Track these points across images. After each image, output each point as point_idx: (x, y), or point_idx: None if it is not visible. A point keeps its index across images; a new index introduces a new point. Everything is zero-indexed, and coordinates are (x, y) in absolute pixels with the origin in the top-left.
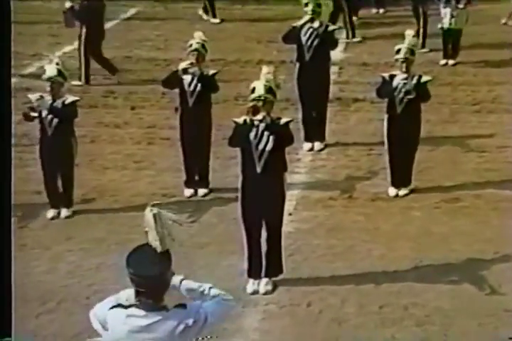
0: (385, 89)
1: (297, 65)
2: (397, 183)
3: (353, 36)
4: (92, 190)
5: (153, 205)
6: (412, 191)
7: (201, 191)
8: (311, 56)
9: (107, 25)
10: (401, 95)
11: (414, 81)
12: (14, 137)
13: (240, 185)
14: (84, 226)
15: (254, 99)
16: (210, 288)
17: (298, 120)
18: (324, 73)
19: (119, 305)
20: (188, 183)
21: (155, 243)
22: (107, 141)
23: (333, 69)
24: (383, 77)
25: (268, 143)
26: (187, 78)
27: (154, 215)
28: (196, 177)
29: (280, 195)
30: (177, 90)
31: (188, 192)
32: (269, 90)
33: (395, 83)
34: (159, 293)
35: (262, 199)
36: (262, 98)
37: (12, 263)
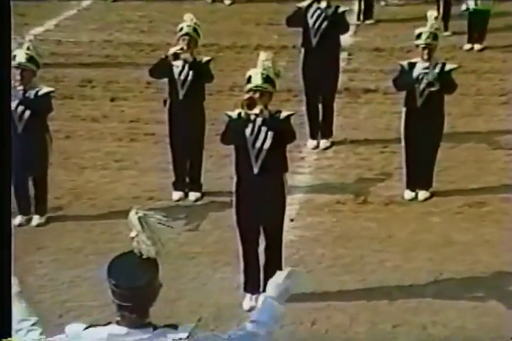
0: (403, 79)
1: (302, 50)
2: (414, 185)
3: (366, 18)
4: (66, 192)
5: (138, 208)
6: (432, 194)
7: (192, 195)
8: (318, 41)
9: (83, 3)
10: (422, 86)
11: (437, 70)
12: None
13: (234, 188)
14: (58, 234)
15: (250, 90)
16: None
17: (301, 113)
18: (332, 60)
19: (96, 325)
20: (177, 185)
21: (145, 248)
22: (84, 137)
23: (342, 55)
24: (402, 66)
25: (266, 140)
26: (177, 66)
27: (140, 219)
28: (187, 179)
29: (280, 198)
30: (165, 80)
31: (177, 195)
32: (267, 79)
33: (415, 73)
34: (145, 307)
35: (260, 203)
36: (260, 88)
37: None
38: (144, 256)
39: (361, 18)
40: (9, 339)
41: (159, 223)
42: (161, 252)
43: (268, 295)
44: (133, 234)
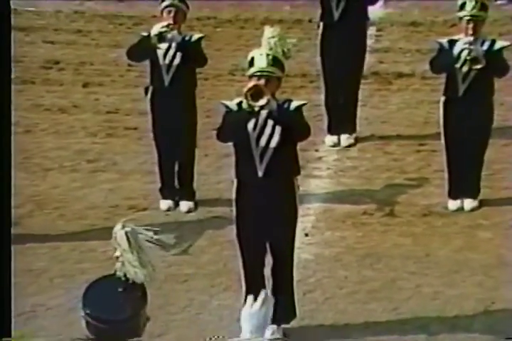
0: (442, 59)
1: (321, 25)
2: (458, 192)
3: None
4: (27, 200)
5: (125, 221)
6: (480, 203)
7: (184, 205)
8: (341, 14)
9: None
10: (465, 68)
11: (485, 47)
12: None
13: (234, 195)
14: (16, 252)
15: (253, 75)
16: None
17: (318, 103)
18: (358, 37)
19: None
20: (165, 192)
21: (132, 270)
22: (48, 131)
23: (370, 31)
24: (440, 44)
25: (273, 136)
26: (162, 46)
27: (127, 234)
28: (176, 184)
29: (291, 208)
30: (147, 62)
31: (166, 204)
32: (274, 62)
33: (456, 50)
34: None
35: (266, 214)
36: (265, 73)
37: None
38: (130, 281)
39: None
40: (9, 339)
41: (149, 241)
42: (151, 277)
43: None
44: (117, 253)
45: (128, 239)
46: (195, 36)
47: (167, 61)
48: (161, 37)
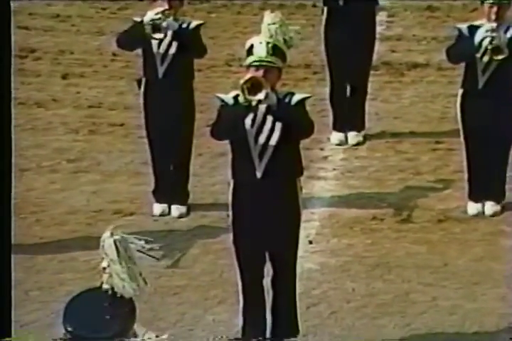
0: (460, 47)
1: (325, 10)
2: (479, 195)
3: None
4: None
5: (114, 228)
6: (503, 208)
7: (175, 209)
8: None
9: None
10: (486, 58)
11: (510, 34)
12: None
13: (230, 198)
14: None
15: (251, 65)
16: None
17: (323, 97)
18: (367, 24)
19: None
20: (159, 194)
21: (120, 283)
22: (24, 127)
23: (380, 17)
24: (459, 30)
25: (273, 133)
26: (157, 36)
27: (116, 243)
28: (168, 186)
29: (293, 212)
30: (138, 51)
31: (159, 208)
32: (274, 51)
33: (477, 38)
34: None
35: (265, 219)
36: (264, 63)
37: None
38: (118, 295)
39: None
40: (9, 339)
41: (141, 251)
42: (141, 290)
43: None
44: (104, 263)
45: (117, 248)
46: (194, 23)
47: (161, 50)
48: (155, 25)
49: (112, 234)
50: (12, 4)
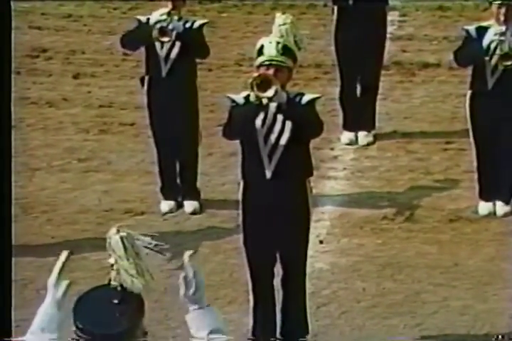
0: (468, 50)
1: (335, 10)
2: (490, 195)
3: None
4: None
5: (120, 226)
6: None
7: (189, 205)
8: None
9: None
10: (494, 60)
11: None
12: None
13: (240, 198)
14: None
15: (261, 65)
16: None
17: (333, 97)
18: (377, 23)
19: None
20: (166, 191)
21: (128, 279)
22: (35, 127)
23: (391, 16)
24: (467, 31)
25: (283, 133)
26: (163, 40)
27: (123, 240)
28: (178, 182)
29: (303, 212)
30: (142, 50)
31: (167, 205)
32: (285, 50)
33: (485, 41)
34: None
35: (275, 219)
36: (275, 62)
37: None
38: (126, 292)
39: None
40: (9, 339)
41: (147, 247)
42: (149, 286)
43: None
44: (112, 260)
45: (124, 244)
46: (197, 23)
47: (165, 50)
48: (162, 28)
49: (118, 231)
50: (24, 4)
